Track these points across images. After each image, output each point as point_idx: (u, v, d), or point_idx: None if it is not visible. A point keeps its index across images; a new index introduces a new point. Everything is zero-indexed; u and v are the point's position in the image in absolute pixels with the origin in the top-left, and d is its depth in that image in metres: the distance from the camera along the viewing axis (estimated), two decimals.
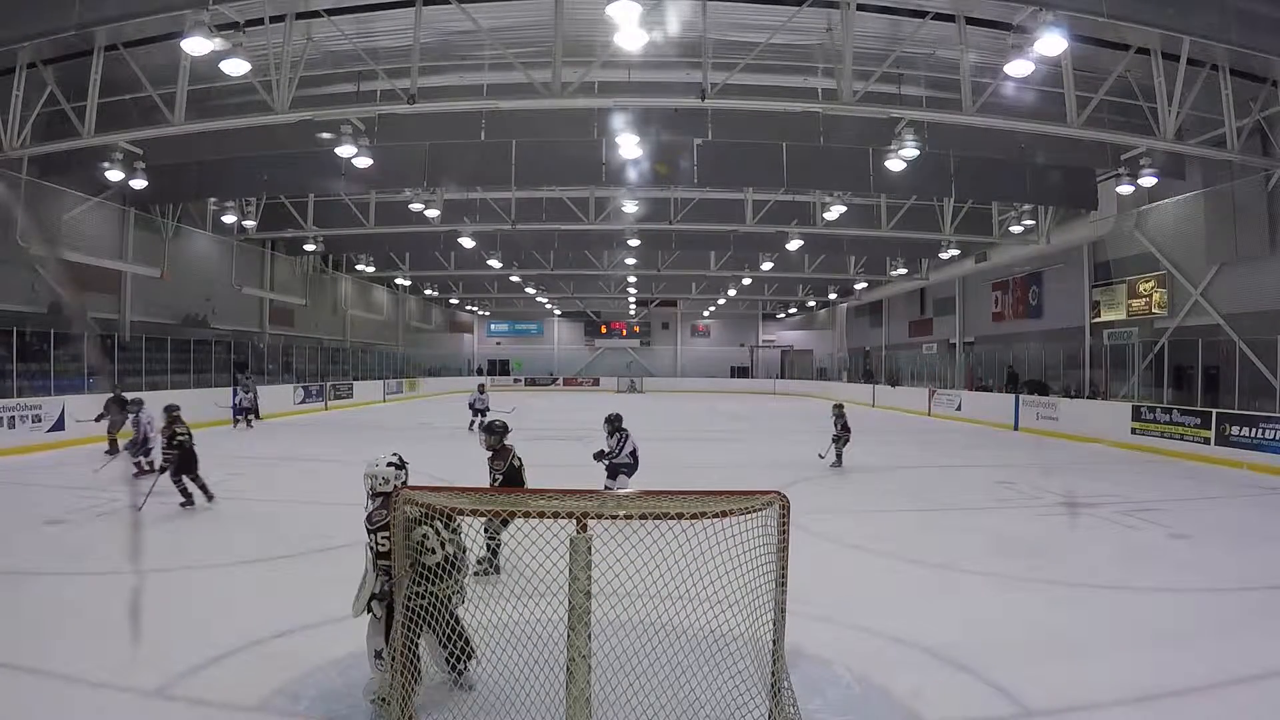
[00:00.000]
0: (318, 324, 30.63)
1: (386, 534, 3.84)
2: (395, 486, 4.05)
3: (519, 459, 6.50)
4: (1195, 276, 17.21)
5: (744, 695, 3.46)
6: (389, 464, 4.12)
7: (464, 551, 3.87)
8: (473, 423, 18.51)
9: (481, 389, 19.98)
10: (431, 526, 3.83)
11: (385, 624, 3.79)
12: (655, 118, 13.26)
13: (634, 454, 8.93)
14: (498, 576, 5.68)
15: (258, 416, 20.23)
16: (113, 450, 12.34)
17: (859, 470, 13.08)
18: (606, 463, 8.84)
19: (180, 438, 8.81)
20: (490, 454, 6.54)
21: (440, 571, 3.82)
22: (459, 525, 3.92)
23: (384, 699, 3.77)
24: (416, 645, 3.78)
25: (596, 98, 12.24)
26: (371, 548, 4.00)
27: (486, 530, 5.80)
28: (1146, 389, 17.76)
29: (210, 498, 9.01)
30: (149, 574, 6.08)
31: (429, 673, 4.00)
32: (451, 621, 3.82)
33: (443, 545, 3.87)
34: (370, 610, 3.96)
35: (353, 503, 5.33)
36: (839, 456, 12.86)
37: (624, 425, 8.94)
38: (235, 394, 19.43)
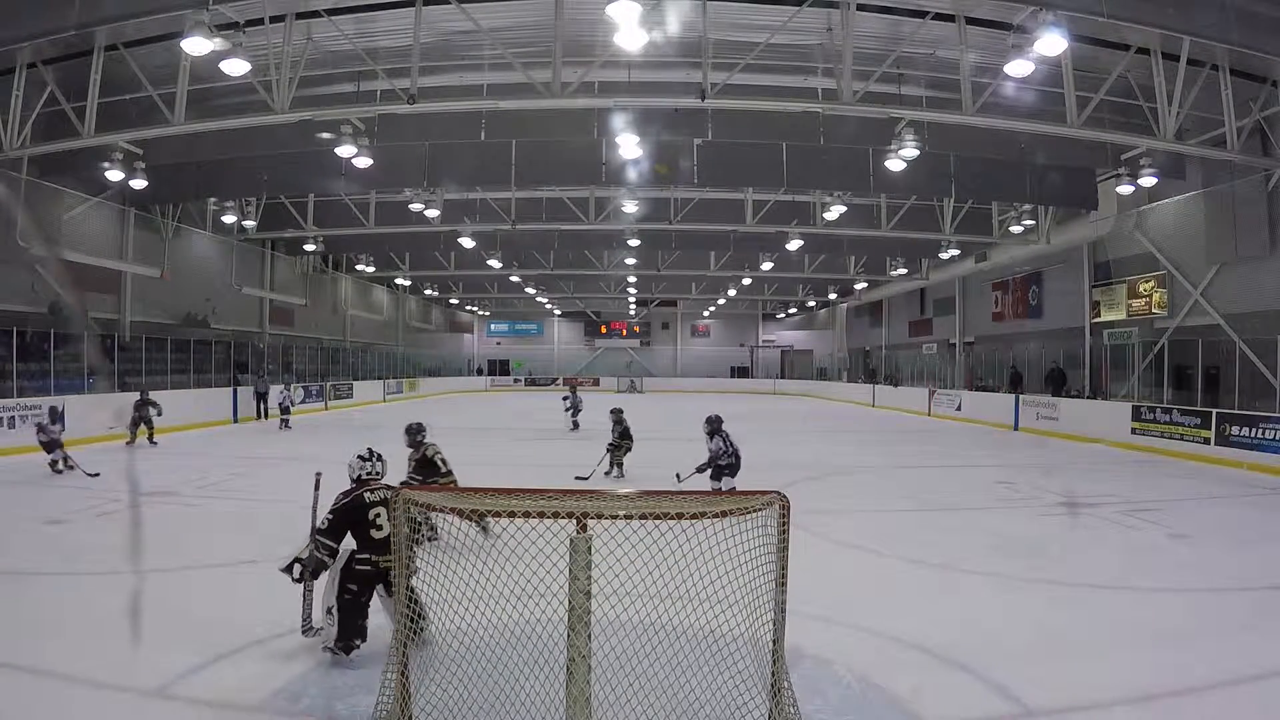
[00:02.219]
0: (318, 324, 30.59)
1: (330, 515, 4.43)
2: (359, 476, 4.67)
3: (431, 449, 7.40)
4: (1195, 276, 17.20)
5: (744, 695, 3.45)
6: (358, 455, 4.76)
7: (416, 533, 4.06)
8: (574, 424, 19.19)
9: (573, 390, 20.55)
10: (386, 507, 4.38)
11: (338, 583, 4.41)
12: (655, 118, 13.24)
13: (737, 454, 9.02)
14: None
15: (265, 417, 20.39)
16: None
17: (859, 470, 13.08)
18: (710, 467, 8.92)
19: None
20: (410, 449, 7.44)
21: (384, 545, 4.32)
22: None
23: (329, 648, 4.35)
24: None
25: (596, 98, 12.24)
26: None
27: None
28: (1146, 389, 17.76)
29: None
30: (149, 574, 6.08)
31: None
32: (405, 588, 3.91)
33: (391, 524, 4.28)
34: (290, 571, 4.56)
35: None
36: (619, 466, 11.38)
37: (724, 427, 9.05)
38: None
